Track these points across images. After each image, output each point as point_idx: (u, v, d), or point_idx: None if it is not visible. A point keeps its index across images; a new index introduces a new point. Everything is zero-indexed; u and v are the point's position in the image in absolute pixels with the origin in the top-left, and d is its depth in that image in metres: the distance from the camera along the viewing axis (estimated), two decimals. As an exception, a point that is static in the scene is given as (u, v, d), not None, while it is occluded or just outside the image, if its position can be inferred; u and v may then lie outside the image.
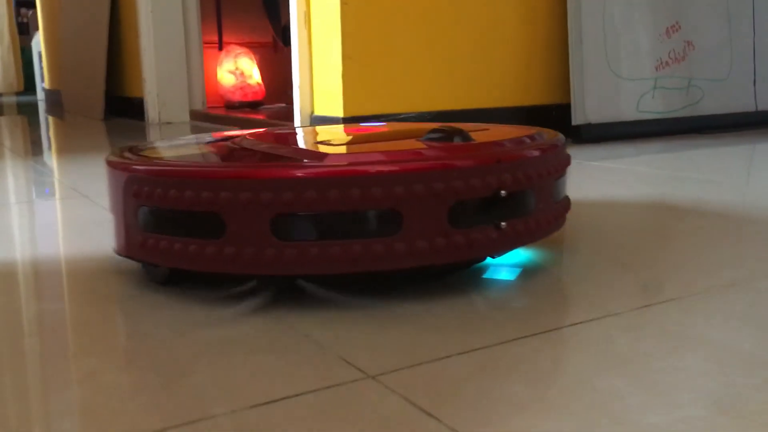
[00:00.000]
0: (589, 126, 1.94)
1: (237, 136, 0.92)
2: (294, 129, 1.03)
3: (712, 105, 2.15)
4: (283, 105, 2.90)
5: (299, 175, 0.66)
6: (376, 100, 1.80)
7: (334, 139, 0.86)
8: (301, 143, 0.87)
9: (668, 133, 2.05)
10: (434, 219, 0.68)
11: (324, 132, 0.96)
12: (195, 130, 2.78)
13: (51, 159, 1.92)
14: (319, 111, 1.87)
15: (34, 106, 4.31)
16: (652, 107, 2.04)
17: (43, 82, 4.63)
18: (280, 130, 1.01)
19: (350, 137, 0.89)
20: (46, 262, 0.87)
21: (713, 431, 0.46)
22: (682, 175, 1.40)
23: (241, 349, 0.60)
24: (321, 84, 1.85)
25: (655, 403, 0.50)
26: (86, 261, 0.87)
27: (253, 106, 3.27)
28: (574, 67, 1.93)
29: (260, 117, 2.69)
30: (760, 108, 2.26)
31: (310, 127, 1.07)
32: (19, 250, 0.92)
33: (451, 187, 0.68)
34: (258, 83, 3.33)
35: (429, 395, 0.51)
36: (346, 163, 0.69)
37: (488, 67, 1.95)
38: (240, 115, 2.82)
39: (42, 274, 0.83)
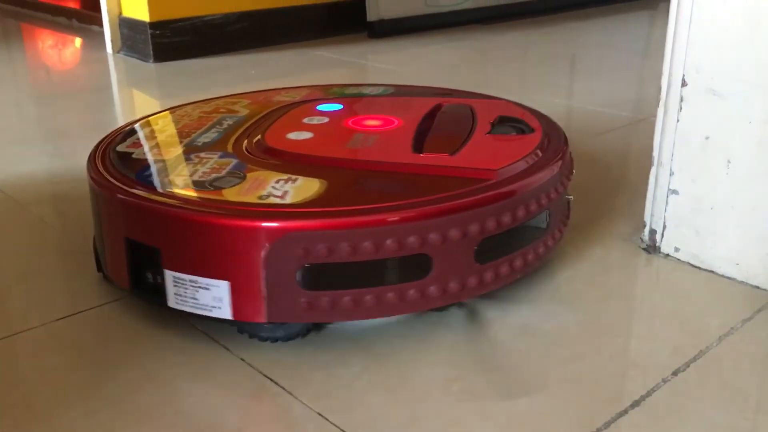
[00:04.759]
0: (382, 21, 2.09)
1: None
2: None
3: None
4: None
5: (500, 198, 0.66)
6: (183, 0, 1.77)
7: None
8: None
9: (452, 25, 2.24)
10: (562, 213, 0.76)
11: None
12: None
13: None
14: (127, 12, 1.83)
15: None
16: (438, 2, 2.22)
17: None
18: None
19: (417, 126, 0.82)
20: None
21: None
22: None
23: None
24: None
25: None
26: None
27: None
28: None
29: (72, 5, 2.32)
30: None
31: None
32: None
33: (565, 181, 0.77)
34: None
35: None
36: (516, 176, 0.70)
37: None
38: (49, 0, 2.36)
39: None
